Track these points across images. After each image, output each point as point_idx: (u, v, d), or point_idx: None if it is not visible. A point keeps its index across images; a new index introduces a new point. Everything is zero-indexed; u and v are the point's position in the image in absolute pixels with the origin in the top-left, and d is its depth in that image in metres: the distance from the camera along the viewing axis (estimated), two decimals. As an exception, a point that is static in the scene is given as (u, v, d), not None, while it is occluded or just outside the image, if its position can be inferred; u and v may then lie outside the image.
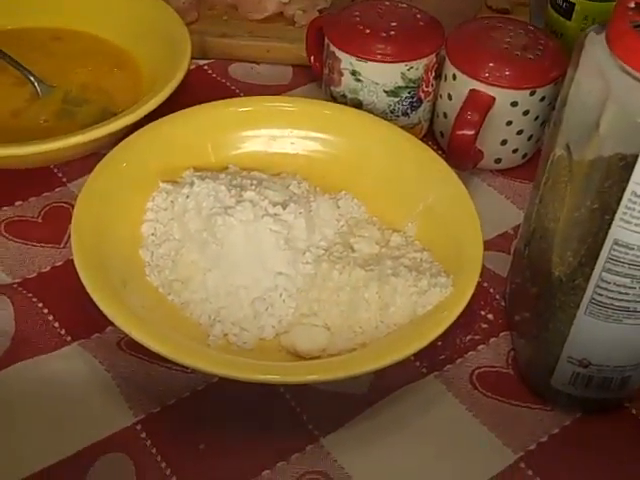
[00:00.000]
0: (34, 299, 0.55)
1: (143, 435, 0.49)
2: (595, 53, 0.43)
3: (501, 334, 0.56)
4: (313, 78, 0.74)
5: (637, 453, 0.50)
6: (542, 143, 0.67)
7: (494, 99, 0.63)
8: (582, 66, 0.45)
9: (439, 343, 0.52)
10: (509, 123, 0.65)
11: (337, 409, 0.51)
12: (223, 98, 0.64)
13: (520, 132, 0.65)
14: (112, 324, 0.48)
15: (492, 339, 0.55)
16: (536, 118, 0.65)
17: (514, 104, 0.63)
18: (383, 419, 0.51)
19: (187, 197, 0.56)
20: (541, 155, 0.51)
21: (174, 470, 0.47)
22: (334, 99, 0.68)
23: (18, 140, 0.58)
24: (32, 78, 0.67)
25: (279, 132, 0.63)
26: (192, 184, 0.57)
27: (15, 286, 0.56)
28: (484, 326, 0.56)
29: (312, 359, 0.50)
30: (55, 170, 0.65)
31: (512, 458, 0.49)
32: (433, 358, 0.54)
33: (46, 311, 0.55)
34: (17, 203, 0.62)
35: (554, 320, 0.48)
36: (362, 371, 0.47)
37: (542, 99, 0.64)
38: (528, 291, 0.52)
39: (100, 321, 0.49)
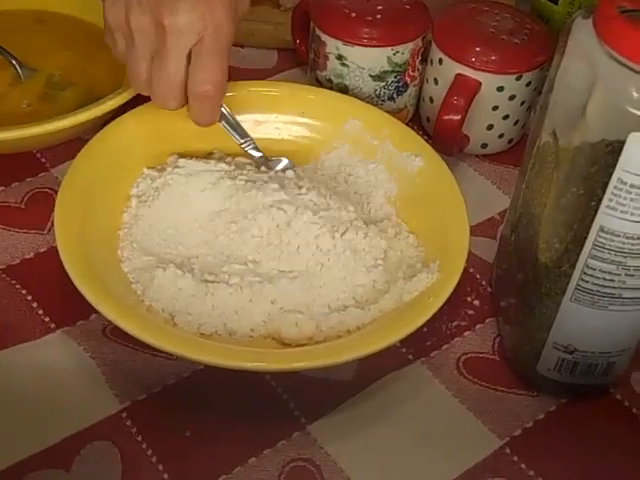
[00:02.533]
0: (17, 286, 0.55)
1: (129, 422, 0.49)
2: (582, 38, 0.43)
3: (487, 320, 0.56)
4: (299, 62, 0.74)
5: (622, 438, 0.51)
6: (528, 128, 0.67)
7: (480, 84, 0.62)
8: (569, 51, 0.44)
9: (425, 329, 0.52)
10: (495, 108, 0.64)
11: (323, 396, 0.51)
12: (208, 82, 0.63)
13: (506, 117, 0.65)
14: (96, 311, 0.48)
15: (478, 325, 0.56)
16: (522, 103, 0.65)
17: (500, 89, 0.63)
18: (369, 405, 0.51)
19: (170, 182, 0.56)
20: (527, 141, 0.51)
21: (160, 457, 0.47)
22: (320, 83, 0.68)
23: (0, 125, 0.57)
24: (14, 62, 0.66)
25: (264, 117, 0.63)
26: (175, 169, 0.57)
27: (-2, 273, 0.56)
28: (470, 312, 0.56)
29: (298, 347, 0.50)
30: (38, 155, 0.64)
31: (498, 444, 0.49)
32: (419, 344, 0.54)
33: (30, 298, 0.54)
34: (0, 189, 0.61)
35: (540, 306, 0.48)
36: (349, 358, 0.47)
37: (528, 84, 0.64)
38: (514, 277, 0.52)
39: (84, 308, 0.49)
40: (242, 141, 0.58)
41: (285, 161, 0.60)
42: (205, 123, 0.56)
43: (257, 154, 0.59)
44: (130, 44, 0.52)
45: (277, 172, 0.58)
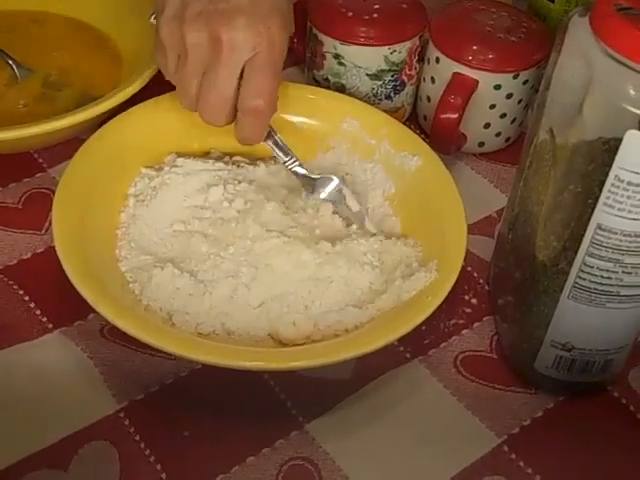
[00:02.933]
0: (15, 286, 0.55)
1: (126, 422, 0.49)
2: (579, 36, 0.43)
3: (485, 318, 0.56)
4: (296, 61, 0.74)
5: (619, 436, 0.51)
6: (525, 126, 0.67)
7: (477, 82, 0.62)
8: (565, 49, 0.44)
9: (423, 328, 0.52)
10: (492, 106, 0.64)
11: (321, 395, 0.51)
12: (205, 82, 0.63)
13: (503, 115, 0.65)
14: (94, 311, 0.48)
15: (476, 323, 0.56)
16: (519, 101, 0.65)
17: (497, 87, 0.63)
18: (367, 404, 0.51)
19: (168, 182, 0.56)
20: (525, 139, 0.51)
21: (158, 457, 0.47)
22: (317, 83, 0.68)
23: (-3, 125, 0.57)
24: (11, 62, 0.66)
25: (262, 116, 0.62)
26: (173, 168, 0.57)
27: (-4, 273, 0.56)
28: (468, 310, 0.56)
29: (296, 346, 0.50)
30: (35, 156, 0.64)
31: (496, 442, 0.49)
32: (417, 343, 0.54)
33: (27, 298, 0.54)
34: (-3, 189, 0.62)
35: (537, 304, 0.48)
36: (347, 357, 0.47)
37: (525, 82, 0.64)
38: (512, 275, 0.52)
39: (82, 308, 0.49)
40: (286, 159, 0.57)
41: (335, 180, 0.58)
42: (252, 140, 0.55)
43: (302, 171, 0.58)
44: (183, 61, 0.52)
45: (324, 196, 0.57)
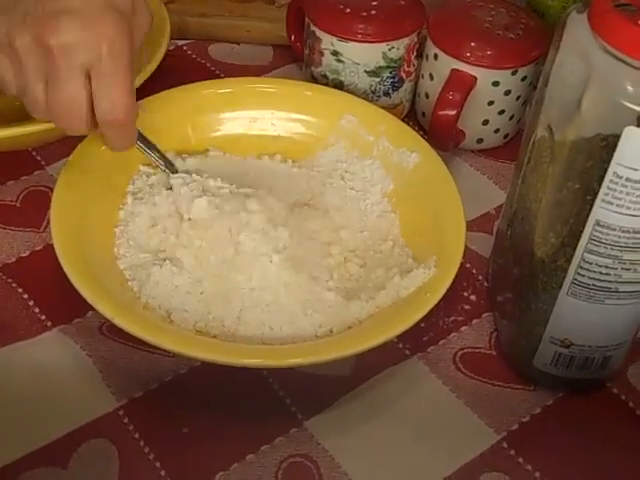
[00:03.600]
0: (14, 284, 0.55)
1: (126, 420, 0.49)
2: (577, 33, 0.43)
3: (484, 315, 0.56)
4: (294, 58, 0.74)
5: (618, 432, 0.51)
6: (524, 123, 0.67)
7: (476, 79, 0.62)
8: (564, 46, 0.44)
9: (422, 325, 0.52)
10: (491, 103, 0.64)
11: (320, 392, 0.51)
12: (203, 79, 0.63)
13: (502, 112, 0.65)
14: (93, 309, 0.48)
15: (475, 320, 0.56)
16: (518, 98, 0.65)
17: (495, 84, 0.63)
18: (366, 401, 0.51)
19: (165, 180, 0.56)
20: (523, 135, 0.51)
21: (157, 455, 0.47)
22: (315, 80, 0.68)
23: (-6, 123, 0.57)
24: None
25: (260, 114, 0.62)
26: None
27: (-6, 271, 0.56)
28: (467, 307, 0.56)
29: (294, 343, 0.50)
30: (34, 153, 0.64)
31: (495, 438, 0.49)
32: (416, 340, 0.54)
33: (26, 296, 0.54)
34: (-5, 187, 0.61)
35: (536, 301, 0.48)
36: (346, 354, 0.47)
37: (524, 79, 0.64)
38: (510, 272, 0.52)
39: (81, 306, 0.49)
40: (159, 160, 0.57)
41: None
42: (124, 148, 0.53)
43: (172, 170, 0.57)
44: (19, 68, 0.48)
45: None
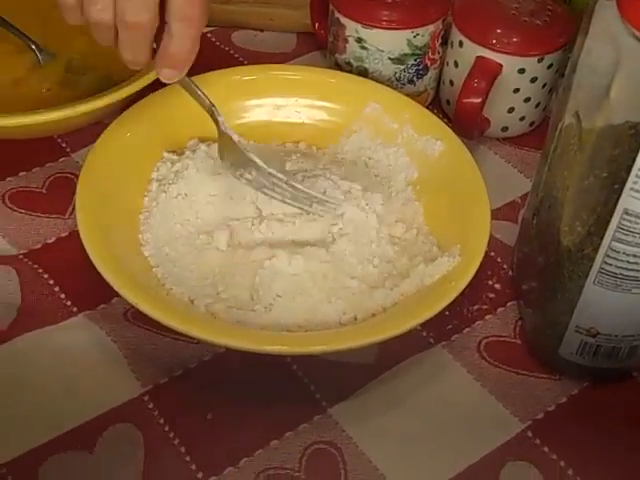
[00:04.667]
0: (39, 270, 0.55)
1: (150, 406, 0.49)
2: (606, 19, 0.42)
3: (508, 304, 0.56)
4: (318, 46, 0.74)
5: (644, 422, 0.50)
6: (549, 111, 0.67)
7: (501, 66, 0.62)
8: (592, 32, 0.44)
9: (446, 313, 0.52)
10: (516, 90, 0.64)
11: (344, 379, 0.51)
12: (227, 66, 0.63)
13: (527, 100, 0.65)
14: (118, 295, 0.48)
15: (499, 309, 0.55)
16: (544, 85, 0.64)
17: (521, 71, 0.63)
18: (390, 389, 0.51)
19: (189, 166, 0.56)
20: (550, 123, 0.50)
21: (182, 440, 0.47)
22: (339, 67, 0.67)
23: (21, 109, 0.57)
24: (33, 46, 0.67)
25: (284, 101, 0.62)
26: (195, 152, 0.57)
27: (20, 257, 0.56)
28: (491, 296, 0.56)
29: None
30: (59, 140, 0.64)
31: (519, 427, 0.49)
32: (440, 328, 0.54)
33: (52, 282, 0.55)
34: (21, 174, 0.62)
35: (562, 290, 0.48)
36: (370, 341, 0.47)
37: (550, 66, 0.63)
38: (536, 260, 0.51)
39: (106, 292, 0.49)
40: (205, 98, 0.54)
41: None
42: (186, 59, 0.50)
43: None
44: None
45: None
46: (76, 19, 0.49)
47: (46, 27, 0.69)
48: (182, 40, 0.49)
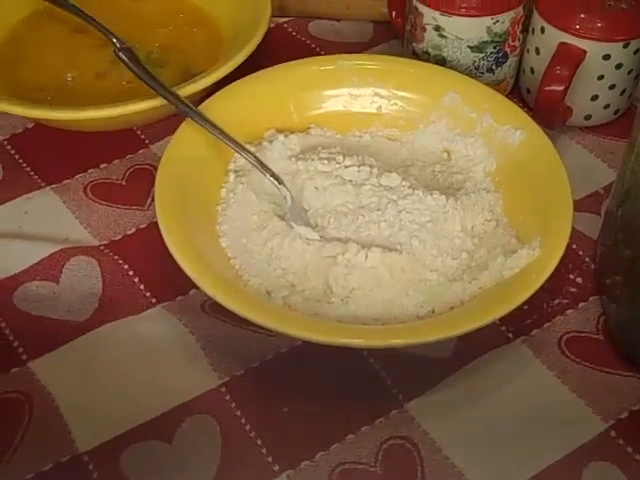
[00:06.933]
0: (120, 261, 0.56)
1: (227, 397, 0.49)
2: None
3: (591, 298, 0.54)
4: (394, 35, 0.73)
5: None
6: (636, 98, 0.65)
7: (585, 52, 0.60)
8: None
9: (525, 307, 0.50)
10: (600, 77, 0.62)
11: (421, 373, 0.50)
12: (303, 56, 0.63)
13: (612, 87, 0.63)
14: (196, 287, 0.48)
15: (581, 303, 0.54)
16: (630, 72, 0.62)
17: (606, 57, 0.61)
18: (468, 384, 0.50)
19: (266, 157, 0.56)
20: (638, 111, 0.49)
21: (258, 433, 0.48)
22: (417, 56, 0.66)
23: (102, 102, 0.58)
24: (114, 40, 0.67)
25: (360, 91, 0.62)
26: (272, 143, 0.57)
27: (102, 248, 0.57)
28: (572, 290, 0.55)
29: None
30: (138, 132, 0.65)
31: (602, 427, 0.48)
32: (519, 322, 0.52)
33: (131, 273, 0.56)
34: (102, 166, 0.63)
35: (649, 285, 0.47)
36: (448, 335, 0.46)
37: (636, 51, 0.61)
38: (621, 254, 0.50)
39: (184, 283, 0.49)
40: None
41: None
42: None
43: None
44: None
45: None
46: None
47: (125, 21, 0.70)
48: None
